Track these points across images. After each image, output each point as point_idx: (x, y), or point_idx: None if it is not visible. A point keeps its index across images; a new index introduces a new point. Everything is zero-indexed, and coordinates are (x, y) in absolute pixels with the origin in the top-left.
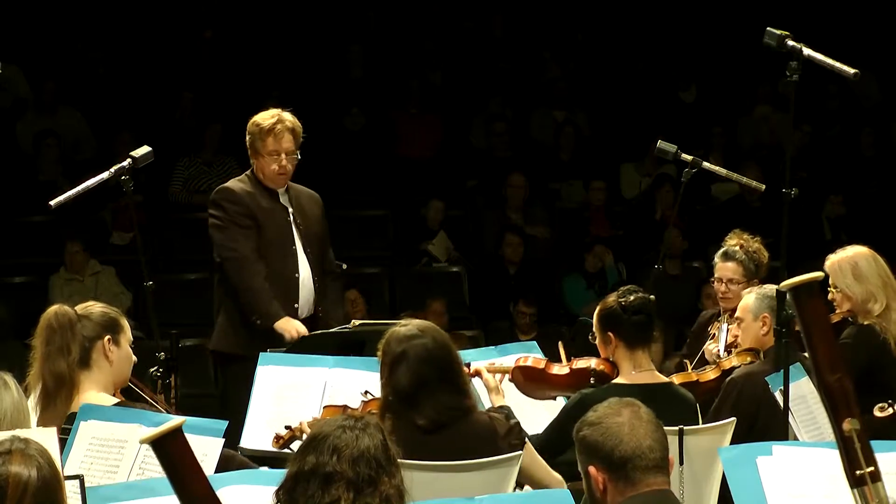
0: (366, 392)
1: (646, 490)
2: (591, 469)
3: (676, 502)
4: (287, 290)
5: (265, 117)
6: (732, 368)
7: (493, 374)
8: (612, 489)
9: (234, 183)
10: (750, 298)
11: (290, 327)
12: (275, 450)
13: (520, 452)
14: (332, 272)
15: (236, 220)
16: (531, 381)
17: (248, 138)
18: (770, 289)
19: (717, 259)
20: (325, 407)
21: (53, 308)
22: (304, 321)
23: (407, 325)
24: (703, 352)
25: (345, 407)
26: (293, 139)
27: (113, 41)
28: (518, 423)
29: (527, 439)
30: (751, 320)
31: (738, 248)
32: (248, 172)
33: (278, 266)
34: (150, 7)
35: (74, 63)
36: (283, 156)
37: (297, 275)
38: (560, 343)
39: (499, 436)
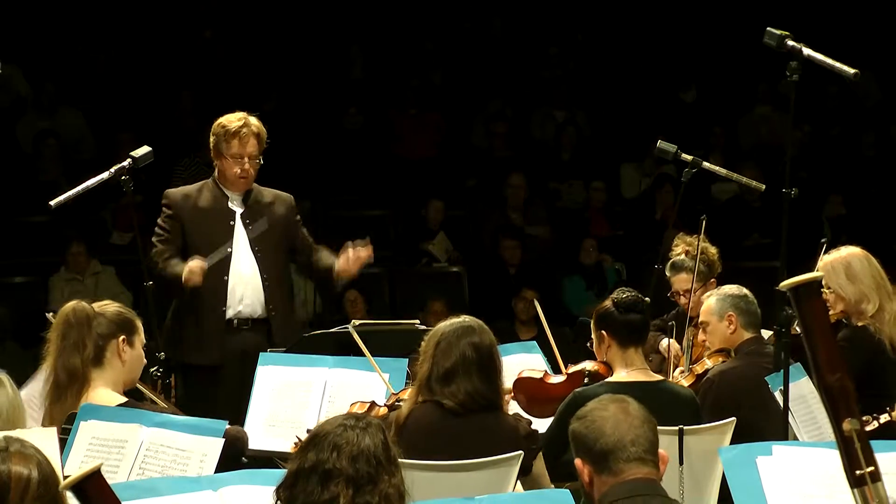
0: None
1: (629, 478)
2: (578, 462)
3: (662, 491)
4: (215, 293)
5: (231, 120)
6: (707, 371)
7: None
8: (597, 481)
9: (181, 187)
10: (711, 301)
11: (188, 272)
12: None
13: (521, 453)
14: (309, 248)
15: (163, 223)
16: (533, 396)
17: (212, 139)
18: (729, 288)
19: (667, 272)
20: (352, 403)
21: (71, 304)
22: (252, 322)
23: (460, 318)
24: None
25: (372, 403)
26: (258, 144)
27: (113, 41)
28: (537, 431)
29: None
30: (716, 321)
31: (683, 255)
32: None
33: (210, 269)
34: (150, 7)
35: (74, 63)
36: (247, 160)
37: (225, 278)
38: (551, 338)
39: (521, 437)
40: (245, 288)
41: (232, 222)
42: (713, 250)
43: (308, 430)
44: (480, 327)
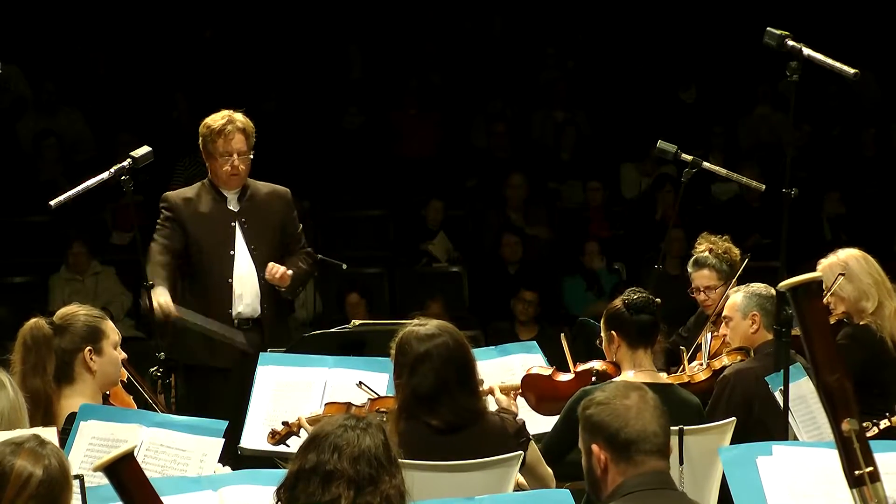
0: (360, 383)
1: (645, 470)
2: (595, 447)
3: (674, 484)
4: (221, 295)
5: (216, 119)
6: (724, 368)
7: (505, 392)
8: (613, 469)
9: (178, 190)
10: (738, 297)
11: (154, 299)
12: (270, 447)
13: (521, 453)
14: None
15: (163, 224)
16: (541, 393)
17: (200, 141)
18: (758, 287)
19: (689, 268)
20: (326, 404)
21: (29, 323)
22: (252, 322)
23: (425, 325)
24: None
25: (348, 404)
26: (244, 139)
27: (113, 41)
28: (524, 422)
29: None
30: (739, 319)
31: (707, 253)
32: (206, 178)
33: (212, 271)
34: (150, 7)
35: (74, 63)
36: (235, 156)
37: (230, 280)
38: (562, 335)
39: (509, 435)
40: (244, 288)
41: (233, 223)
42: (736, 251)
43: (284, 423)
44: (446, 330)
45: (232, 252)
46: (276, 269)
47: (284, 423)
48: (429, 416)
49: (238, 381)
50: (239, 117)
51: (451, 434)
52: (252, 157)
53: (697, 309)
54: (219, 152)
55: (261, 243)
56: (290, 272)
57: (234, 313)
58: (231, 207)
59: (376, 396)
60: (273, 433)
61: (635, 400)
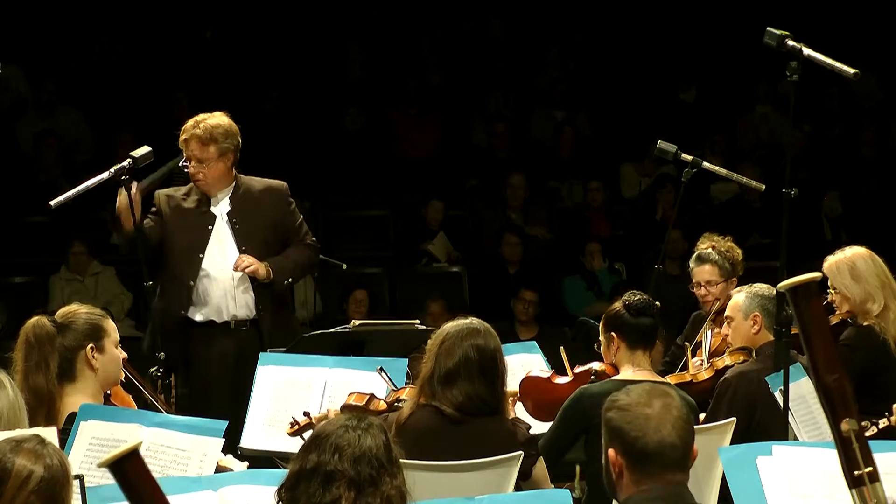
0: (380, 368)
1: (659, 482)
2: (611, 452)
3: (689, 496)
4: (179, 296)
5: (187, 123)
6: (726, 368)
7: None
8: (628, 477)
9: (170, 188)
10: (740, 297)
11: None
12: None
13: (521, 453)
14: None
15: (147, 220)
16: (539, 397)
17: None
18: (760, 287)
19: (691, 264)
20: (350, 394)
21: (31, 321)
22: (250, 322)
23: (467, 320)
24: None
25: (371, 395)
26: (200, 146)
27: (113, 41)
28: (536, 436)
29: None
30: (741, 319)
31: (710, 249)
32: None
33: (176, 272)
34: (150, 7)
35: (74, 63)
36: (193, 163)
37: (192, 283)
38: (561, 347)
39: (518, 443)
40: (237, 289)
41: (210, 227)
42: (738, 250)
43: (305, 413)
44: (486, 331)
45: (201, 255)
46: (240, 262)
47: (306, 414)
48: (443, 398)
49: (233, 382)
50: (211, 122)
51: (460, 423)
52: (232, 159)
53: (693, 311)
54: (186, 157)
55: (252, 242)
56: (255, 264)
57: (190, 315)
58: (214, 210)
59: (395, 388)
60: (293, 423)
61: (657, 409)
